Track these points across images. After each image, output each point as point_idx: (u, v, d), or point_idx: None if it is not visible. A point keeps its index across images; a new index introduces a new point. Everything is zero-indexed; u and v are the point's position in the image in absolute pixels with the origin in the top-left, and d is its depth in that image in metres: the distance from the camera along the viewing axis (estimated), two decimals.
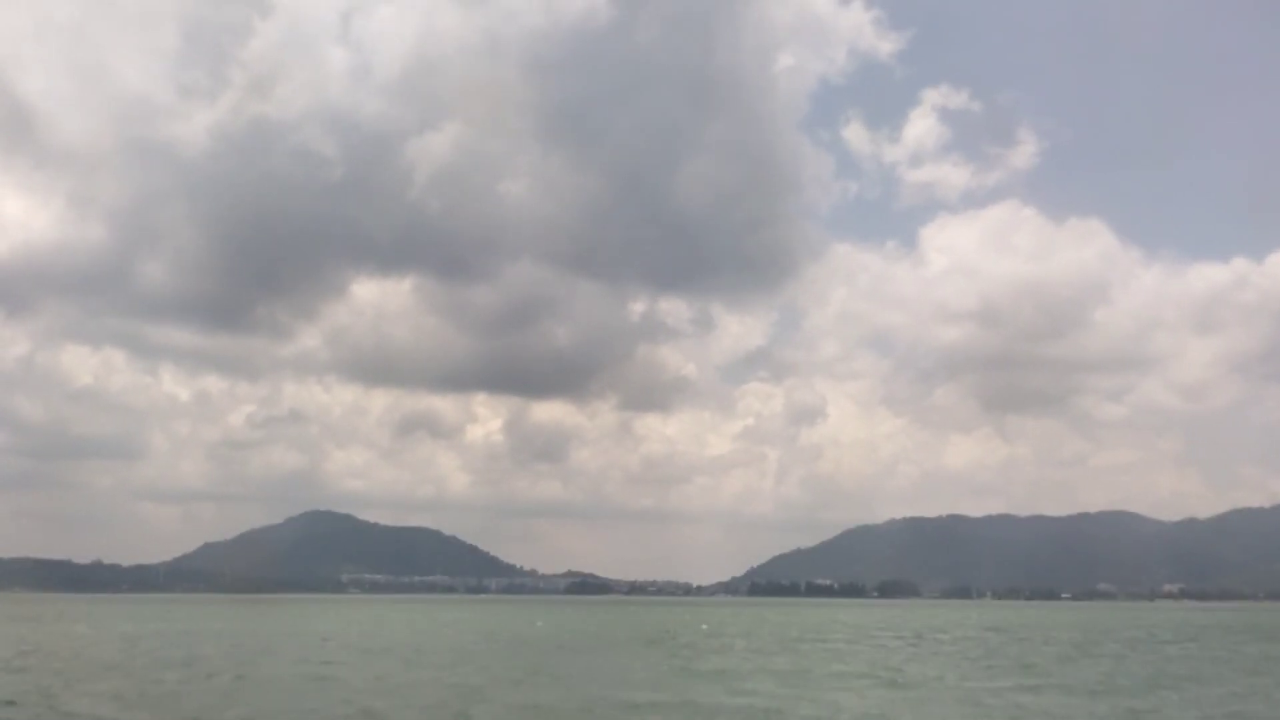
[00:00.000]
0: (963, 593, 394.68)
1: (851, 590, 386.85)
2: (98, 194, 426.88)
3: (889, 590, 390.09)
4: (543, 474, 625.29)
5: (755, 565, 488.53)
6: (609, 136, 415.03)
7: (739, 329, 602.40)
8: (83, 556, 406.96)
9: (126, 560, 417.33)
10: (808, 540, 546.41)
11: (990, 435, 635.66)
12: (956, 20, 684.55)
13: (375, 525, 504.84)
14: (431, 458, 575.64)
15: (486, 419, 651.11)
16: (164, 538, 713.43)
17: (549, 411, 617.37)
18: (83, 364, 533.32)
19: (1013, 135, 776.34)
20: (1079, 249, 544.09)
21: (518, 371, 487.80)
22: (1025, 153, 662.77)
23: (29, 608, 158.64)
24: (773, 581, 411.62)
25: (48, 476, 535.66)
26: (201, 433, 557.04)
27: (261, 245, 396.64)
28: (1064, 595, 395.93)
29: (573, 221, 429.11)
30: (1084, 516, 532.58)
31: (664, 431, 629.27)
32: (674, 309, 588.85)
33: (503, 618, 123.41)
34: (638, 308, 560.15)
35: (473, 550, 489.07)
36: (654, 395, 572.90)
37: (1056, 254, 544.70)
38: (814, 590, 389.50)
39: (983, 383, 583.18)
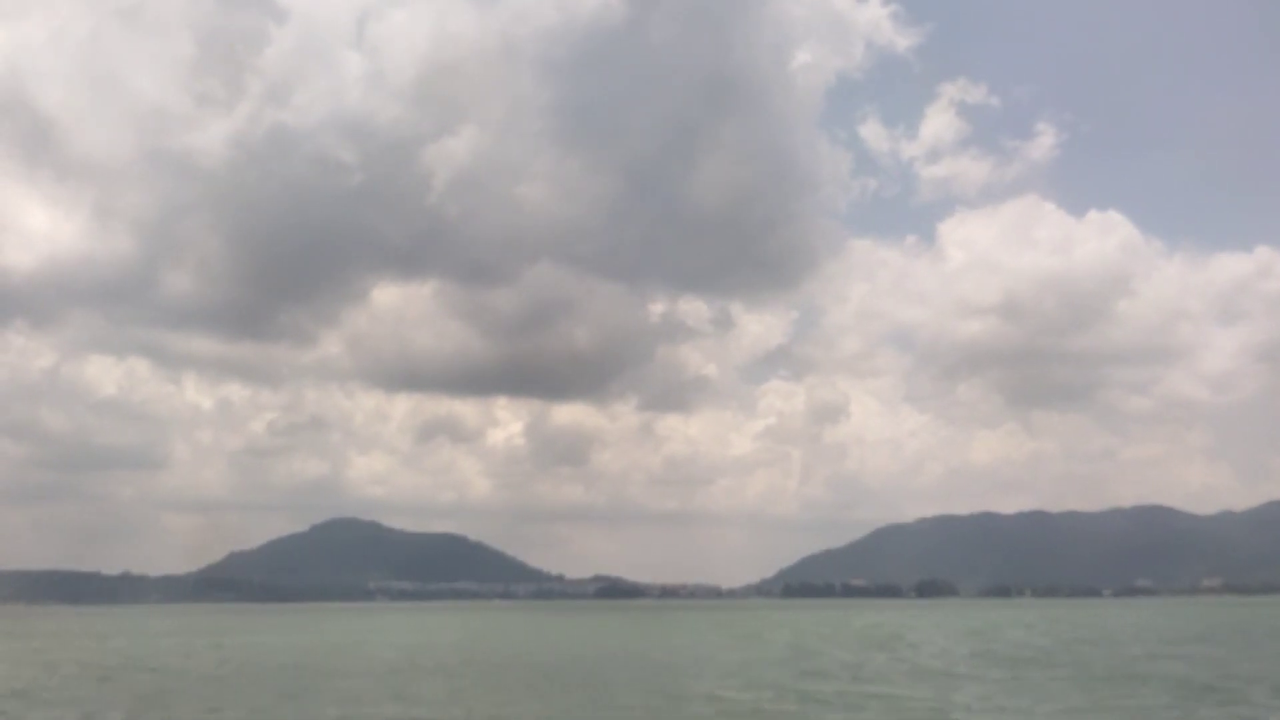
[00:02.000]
0: (1001, 592, 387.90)
1: (887, 591, 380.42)
2: (120, 205, 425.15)
3: (926, 590, 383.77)
4: (565, 477, 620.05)
5: (785, 567, 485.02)
6: (626, 137, 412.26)
7: (759, 328, 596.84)
8: (111, 568, 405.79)
9: (154, 571, 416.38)
10: (836, 540, 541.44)
11: (1016, 430, 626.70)
12: (974, 14, 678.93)
13: (400, 532, 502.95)
14: (453, 462, 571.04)
15: (507, 422, 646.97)
16: (190, 547, 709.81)
17: (570, 414, 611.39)
18: (107, 374, 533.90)
19: (1031, 128, 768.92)
20: (1100, 241, 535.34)
21: (538, 374, 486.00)
22: (1044, 145, 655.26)
23: (82, 622, 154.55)
24: (805, 583, 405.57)
25: (72, 488, 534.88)
26: (224, 441, 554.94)
27: (283, 253, 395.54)
28: (1105, 592, 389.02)
29: (591, 223, 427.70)
30: (1117, 512, 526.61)
31: (685, 432, 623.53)
32: (693, 309, 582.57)
33: (614, 628, 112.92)
34: (657, 308, 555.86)
35: (498, 556, 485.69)
36: (675, 396, 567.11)
37: (1077, 247, 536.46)
38: (849, 591, 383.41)
39: (1006, 378, 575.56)
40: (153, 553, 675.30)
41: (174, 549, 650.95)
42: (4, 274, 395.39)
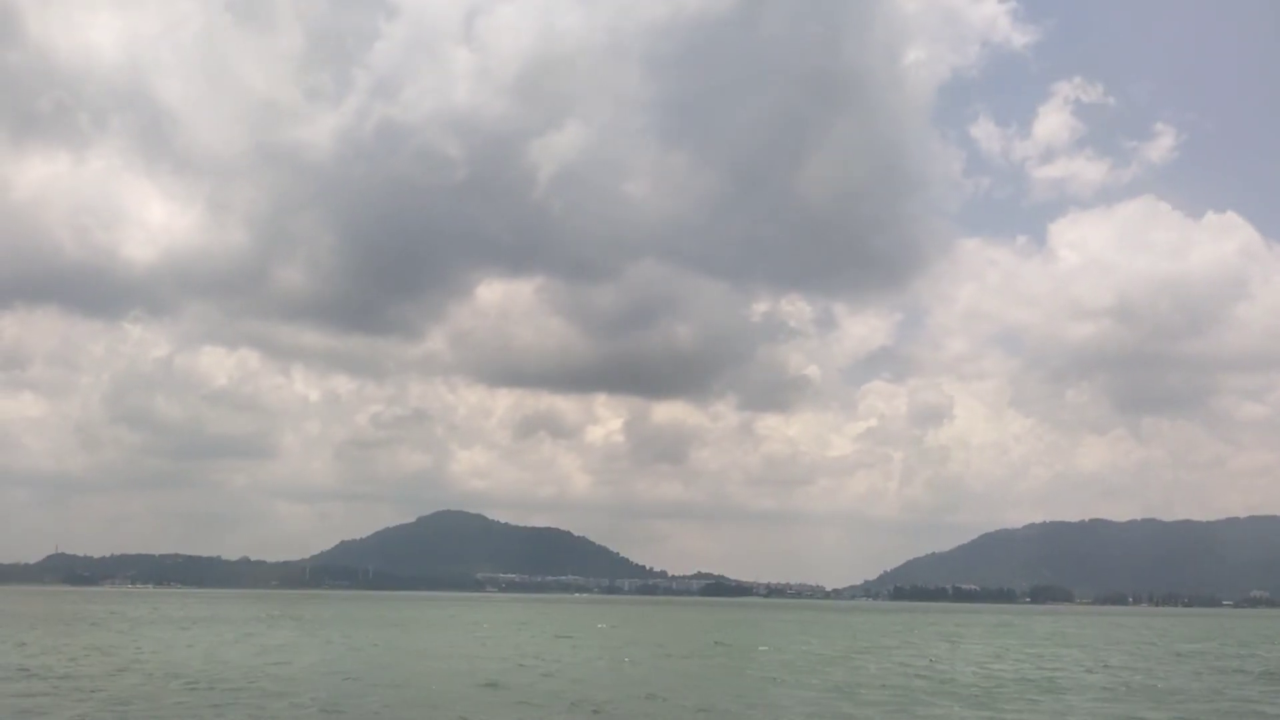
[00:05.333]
0: (1117, 599, 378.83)
1: (999, 595, 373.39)
2: (233, 198, 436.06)
3: (1040, 596, 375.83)
4: (663, 474, 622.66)
5: (888, 569, 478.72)
6: (732, 133, 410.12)
7: (862, 329, 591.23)
8: (230, 553, 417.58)
9: (270, 557, 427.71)
10: (940, 544, 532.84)
11: (1124, 437, 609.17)
12: (1094, 12, 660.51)
13: (505, 525, 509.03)
14: (553, 458, 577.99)
15: (607, 419, 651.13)
16: (300, 535, 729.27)
17: (669, 412, 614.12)
18: (219, 365, 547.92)
19: (1149, 128, 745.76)
20: (1218, 244, 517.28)
21: (639, 371, 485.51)
22: (1162, 146, 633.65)
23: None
24: (915, 585, 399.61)
25: (186, 475, 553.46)
26: (331, 433, 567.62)
27: (389, 248, 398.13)
28: (1225, 602, 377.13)
29: (695, 220, 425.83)
30: (1231, 521, 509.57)
31: (785, 432, 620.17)
32: (796, 310, 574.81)
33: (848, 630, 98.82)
34: (760, 308, 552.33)
35: (601, 550, 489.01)
36: (775, 395, 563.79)
37: (1194, 249, 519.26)
38: (960, 595, 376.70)
39: (1116, 382, 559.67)
40: (266, 539, 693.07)
41: (285, 536, 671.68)
42: (125, 266, 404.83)
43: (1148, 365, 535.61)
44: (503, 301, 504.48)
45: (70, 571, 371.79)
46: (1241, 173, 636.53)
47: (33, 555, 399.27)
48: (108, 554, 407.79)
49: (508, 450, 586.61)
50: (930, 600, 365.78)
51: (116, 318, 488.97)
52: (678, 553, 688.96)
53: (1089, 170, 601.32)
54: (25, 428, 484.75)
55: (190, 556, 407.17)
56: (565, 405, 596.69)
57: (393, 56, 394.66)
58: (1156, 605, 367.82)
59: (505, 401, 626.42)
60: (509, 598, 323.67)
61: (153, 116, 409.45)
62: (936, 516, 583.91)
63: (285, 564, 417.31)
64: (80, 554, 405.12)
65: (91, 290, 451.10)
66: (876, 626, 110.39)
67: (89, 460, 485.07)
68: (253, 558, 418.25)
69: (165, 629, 78.51)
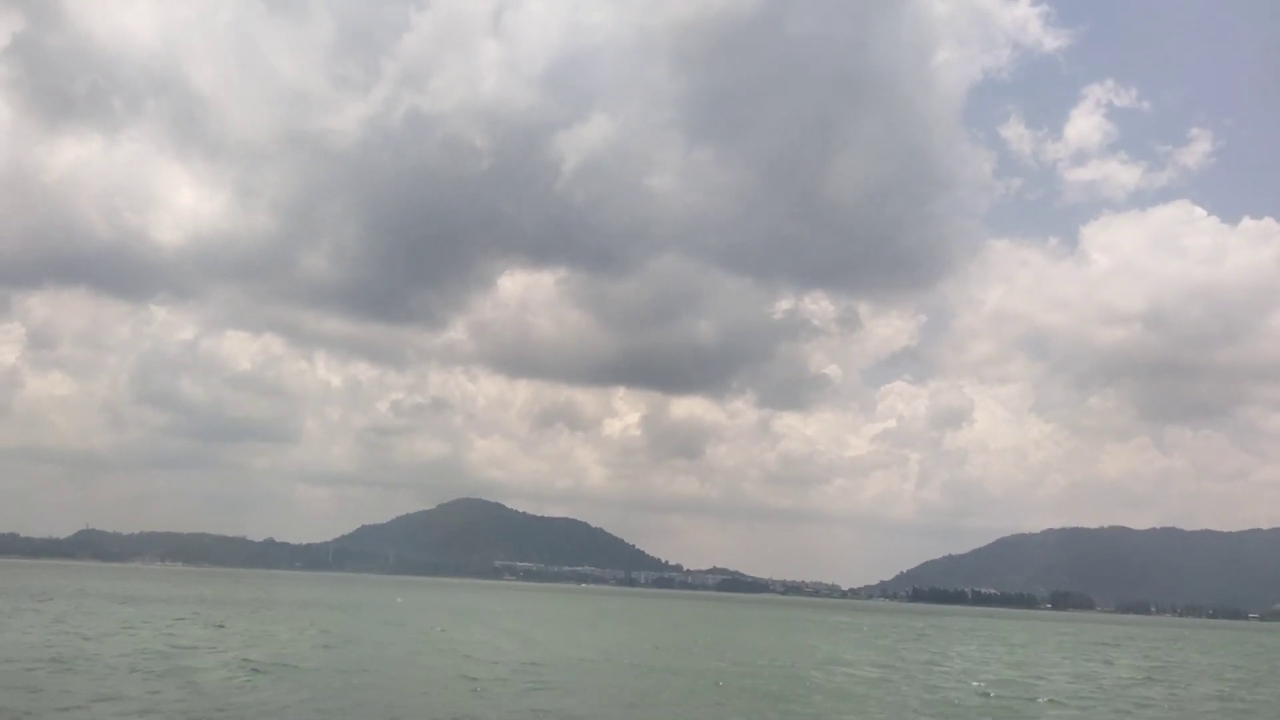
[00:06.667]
0: (1140, 608, 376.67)
1: (1020, 601, 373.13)
2: (259, 184, 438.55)
3: (1061, 602, 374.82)
4: (679, 469, 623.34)
5: (904, 570, 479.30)
6: (758, 129, 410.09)
7: (886, 330, 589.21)
8: (255, 534, 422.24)
9: (292, 539, 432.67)
10: (956, 546, 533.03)
11: (1147, 445, 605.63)
12: (1127, 16, 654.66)
13: (523, 514, 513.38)
14: (570, 450, 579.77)
15: (624, 413, 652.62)
16: (321, 518, 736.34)
17: (688, 407, 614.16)
18: (243, 349, 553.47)
19: (1184, 133, 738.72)
20: (1254, 250, 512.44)
21: (658, 366, 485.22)
22: (1198, 151, 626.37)
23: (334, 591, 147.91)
24: (934, 588, 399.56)
25: (210, 456, 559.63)
26: (351, 419, 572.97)
27: (414, 236, 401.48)
28: (1250, 615, 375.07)
29: (720, 215, 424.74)
30: (1256, 533, 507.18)
31: (803, 431, 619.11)
32: (820, 308, 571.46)
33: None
34: (783, 305, 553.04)
35: (618, 542, 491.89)
36: (794, 394, 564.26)
37: (1229, 255, 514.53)
38: (980, 599, 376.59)
39: (1142, 389, 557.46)
40: (287, 521, 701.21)
41: (306, 519, 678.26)
42: (153, 249, 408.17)
43: (1176, 373, 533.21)
44: (524, 293, 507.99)
45: (100, 548, 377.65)
46: None
47: (63, 530, 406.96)
48: (135, 531, 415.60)
49: (526, 441, 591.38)
50: (949, 603, 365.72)
51: (144, 300, 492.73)
52: (693, 547, 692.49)
53: (1122, 174, 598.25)
54: (54, 406, 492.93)
55: (216, 536, 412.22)
56: (584, 398, 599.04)
57: (422, 47, 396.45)
58: (1179, 615, 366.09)
59: (524, 393, 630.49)
60: (532, 587, 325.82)
61: (185, 101, 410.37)
62: (953, 519, 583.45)
63: (309, 546, 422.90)
64: (109, 530, 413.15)
65: (120, 272, 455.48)
66: (952, 634, 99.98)
67: (116, 439, 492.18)
68: (277, 539, 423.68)
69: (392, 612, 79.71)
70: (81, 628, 49.24)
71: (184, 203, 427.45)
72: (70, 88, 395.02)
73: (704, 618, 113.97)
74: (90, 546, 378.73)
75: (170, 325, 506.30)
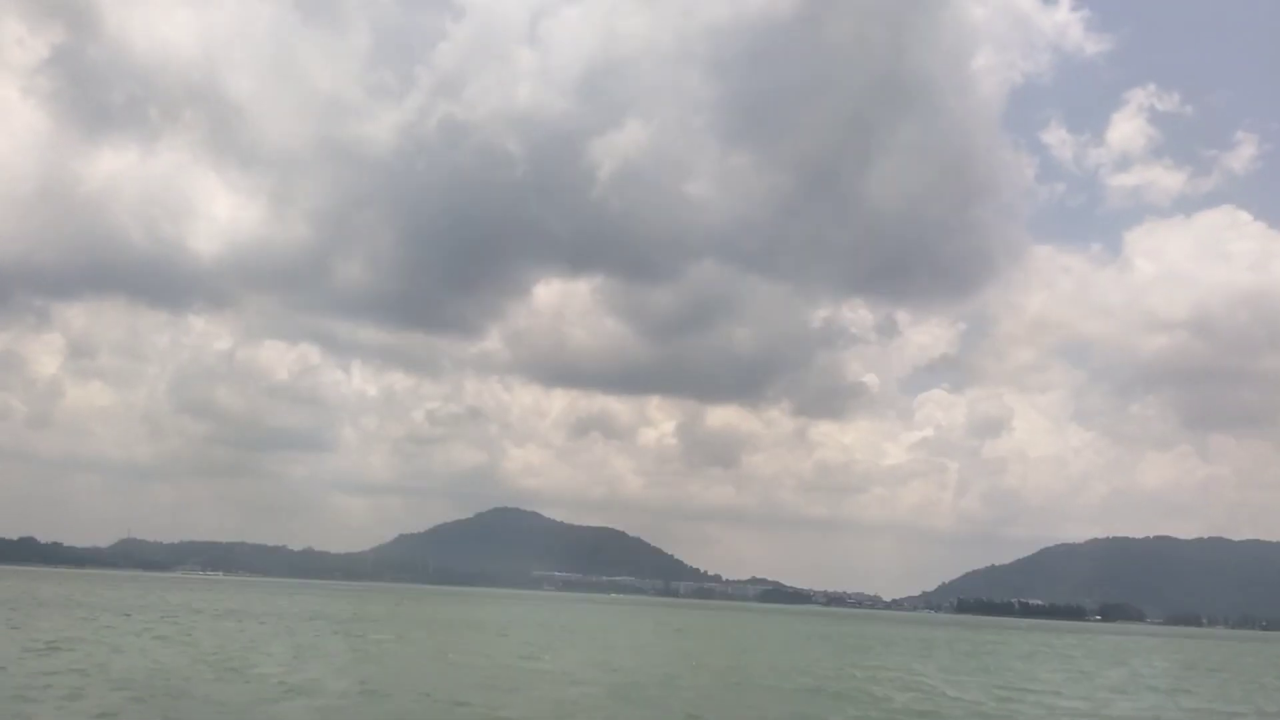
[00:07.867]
0: (1190, 620, 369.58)
1: (1067, 612, 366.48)
2: (295, 193, 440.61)
3: (1111, 614, 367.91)
4: (715, 478, 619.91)
5: (946, 581, 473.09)
6: (795, 135, 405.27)
7: (925, 338, 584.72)
8: (294, 544, 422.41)
9: (330, 548, 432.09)
10: (997, 556, 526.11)
11: (1189, 454, 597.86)
12: (1169, 20, 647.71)
13: (561, 523, 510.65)
14: (605, 459, 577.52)
15: (660, 421, 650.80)
16: (358, 528, 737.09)
17: (723, 416, 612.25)
18: (280, 359, 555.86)
19: (1229, 137, 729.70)
20: None
21: (694, 375, 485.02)
22: (1244, 156, 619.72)
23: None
24: (979, 599, 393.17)
25: (248, 466, 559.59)
26: (387, 428, 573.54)
27: (449, 245, 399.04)
28: None
29: (757, 222, 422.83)
30: None
31: (840, 439, 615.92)
32: (858, 316, 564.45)
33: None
34: (821, 313, 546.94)
35: (656, 552, 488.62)
36: (831, 402, 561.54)
37: (1276, 261, 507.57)
38: (1027, 610, 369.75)
39: (1185, 397, 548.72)
40: (324, 530, 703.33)
41: (344, 528, 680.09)
42: (190, 258, 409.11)
43: (1221, 380, 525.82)
44: (559, 301, 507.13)
45: (141, 557, 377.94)
46: None
47: (104, 540, 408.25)
48: (175, 541, 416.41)
49: (561, 450, 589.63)
50: (996, 615, 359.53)
51: (181, 309, 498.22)
52: (731, 557, 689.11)
53: (1166, 179, 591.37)
54: (94, 415, 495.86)
55: (256, 545, 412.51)
56: (619, 407, 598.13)
57: (457, 56, 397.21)
58: (1232, 628, 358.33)
59: (560, 402, 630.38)
60: (572, 598, 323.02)
61: (221, 111, 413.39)
62: (993, 529, 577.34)
63: (348, 555, 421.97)
64: (150, 540, 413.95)
65: (158, 282, 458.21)
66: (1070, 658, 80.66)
67: (155, 449, 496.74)
68: (316, 548, 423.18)
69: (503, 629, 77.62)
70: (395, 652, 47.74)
71: (220, 212, 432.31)
72: (108, 98, 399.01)
73: (785, 632, 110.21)
74: (131, 556, 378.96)
75: (208, 335, 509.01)
